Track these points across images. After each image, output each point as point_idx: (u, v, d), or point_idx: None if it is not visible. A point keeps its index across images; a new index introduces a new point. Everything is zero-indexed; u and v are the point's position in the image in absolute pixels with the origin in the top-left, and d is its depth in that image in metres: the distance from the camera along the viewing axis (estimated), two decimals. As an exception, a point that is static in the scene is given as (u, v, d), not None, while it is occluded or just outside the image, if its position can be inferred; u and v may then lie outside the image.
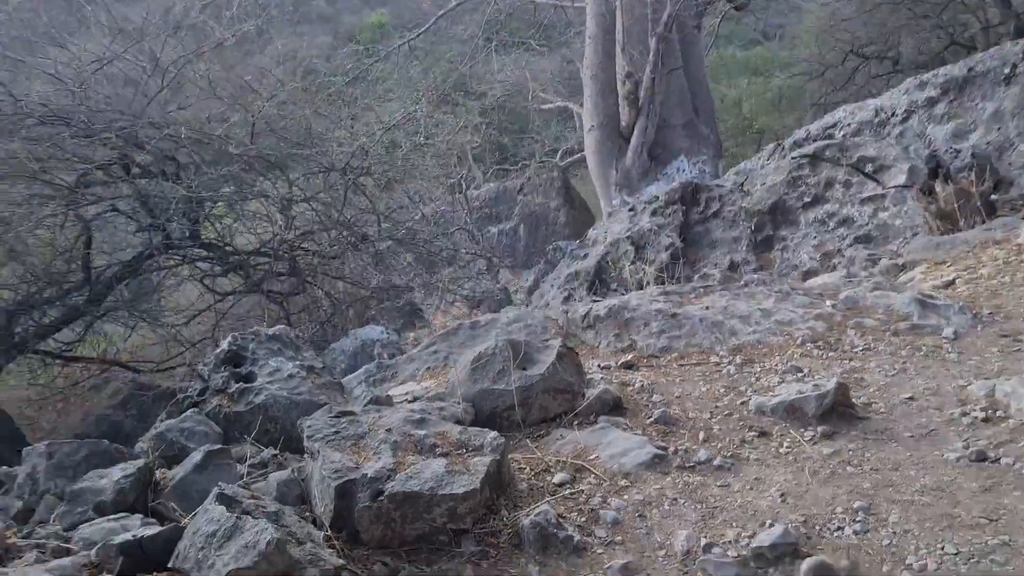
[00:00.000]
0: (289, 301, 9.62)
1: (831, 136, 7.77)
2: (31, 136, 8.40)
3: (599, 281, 6.90)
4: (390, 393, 3.29)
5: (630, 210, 7.38)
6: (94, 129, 8.25)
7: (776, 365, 3.34)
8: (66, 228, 8.95)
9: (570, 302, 6.98)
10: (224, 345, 3.25)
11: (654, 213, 7.15)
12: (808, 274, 6.23)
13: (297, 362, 3.23)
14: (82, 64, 9.16)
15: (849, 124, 7.70)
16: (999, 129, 6.76)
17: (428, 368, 3.83)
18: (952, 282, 4.66)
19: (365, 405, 2.65)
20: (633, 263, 6.80)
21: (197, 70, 9.70)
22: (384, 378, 3.85)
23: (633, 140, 13.05)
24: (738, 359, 3.38)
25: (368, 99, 15.75)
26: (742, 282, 4.25)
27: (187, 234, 9.19)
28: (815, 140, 7.94)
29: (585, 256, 7.28)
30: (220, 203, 9.41)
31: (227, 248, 9.41)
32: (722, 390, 3.10)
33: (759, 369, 3.27)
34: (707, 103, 14.27)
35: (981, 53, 7.44)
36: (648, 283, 6.37)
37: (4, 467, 3.06)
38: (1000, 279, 4.51)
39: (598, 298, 6.76)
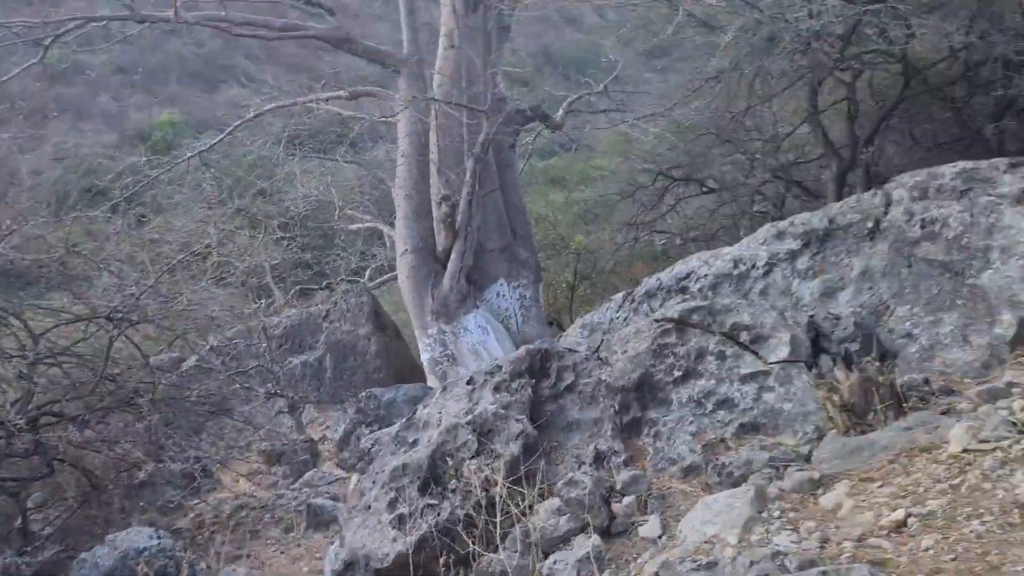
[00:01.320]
0: (28, 489, 7.51)
1: (686, 289, 6.95)
2: None
3: (434, 480, 5.54)
4: None
5: (468, 383, 6.13)
6: None
7: None
8: None
9: (397, 507, 5.54)
10: None
11: (497, 388, 5.93)
12: (689, 472, 5.18)
13: None
14: None
15: (705, 275, 6.91)
16: (870, 290, 6.14)
17: None
18: (903, 523, 3.68)
19: None
20: (476, 456, 5.53)
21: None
22: None
23: (450, 265, 12.06)
24: None
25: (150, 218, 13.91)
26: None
27: None
28: (668, 291, 7.10)
29: (415, 443, 5.90)
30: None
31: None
32: None
33: None
34: (524, 225, 13.62)
35: (839, 203, 6.92)
36: (497, 487, 5.09)
37: None
38: (968, 523, 3.56)
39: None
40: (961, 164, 6.44)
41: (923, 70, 9.79)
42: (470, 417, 5.69)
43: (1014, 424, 4.24)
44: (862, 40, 9.05)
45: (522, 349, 6.22)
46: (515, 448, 5.44)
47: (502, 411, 5.67)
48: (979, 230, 5.90)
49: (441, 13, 12.71)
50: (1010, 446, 4.07)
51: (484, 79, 12.16)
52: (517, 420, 5.61)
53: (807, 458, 4.70)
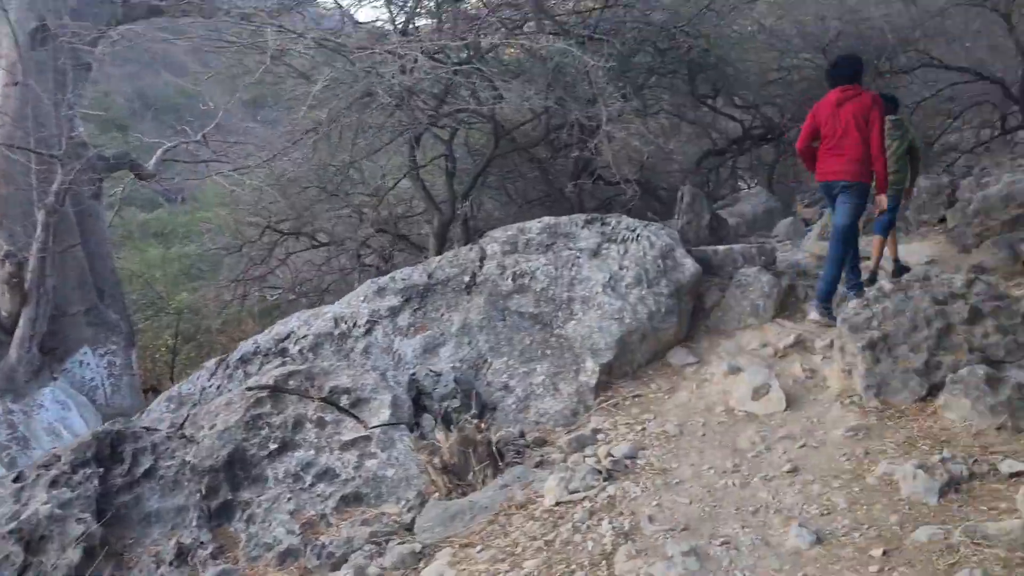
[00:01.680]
0: None
1: (286, 351, 6.46)
2: None
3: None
4: None
5: (15, 480, 5.02)
6: None
7: None
8: None
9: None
10: None
11: (54, 483, 4.91)
12: (287, 556, 4.66)
13: None
14: None
15: (305, 336, 6.47)
16: (470, 344, 6.15)
17: None
18: (500, 590, 3.52)
19: None
20: (23, 574, 4.47)
21: None
22: None
23: (18, 333, 10.30)
24: None
25: None
26: None
27: None
28: (266, 355, 6.54)
29: (-64, 564, 4.68)
30: None
31: None
32: None
33: None
34: (114, 284, 12.15)
35: (439, 258, 6.92)
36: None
37: None
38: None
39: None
40: (546, 219, 6.77)
41: (511, 131, 10.38)
42: (15, 524, 4.64)
43: (599, 472, 4.35)
44: (456, 99, 9.35)
45: (87, 433, 5.30)
46: (74, 555, 4.52)
47: (59, 511, 4.70)
48: (563, 282, 6.20)
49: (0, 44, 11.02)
50: (596, 495, 4.15)
51: (58, 121, 10.71)
52: (79, 520, 4.69)
53: (410, 528, 4.43)
